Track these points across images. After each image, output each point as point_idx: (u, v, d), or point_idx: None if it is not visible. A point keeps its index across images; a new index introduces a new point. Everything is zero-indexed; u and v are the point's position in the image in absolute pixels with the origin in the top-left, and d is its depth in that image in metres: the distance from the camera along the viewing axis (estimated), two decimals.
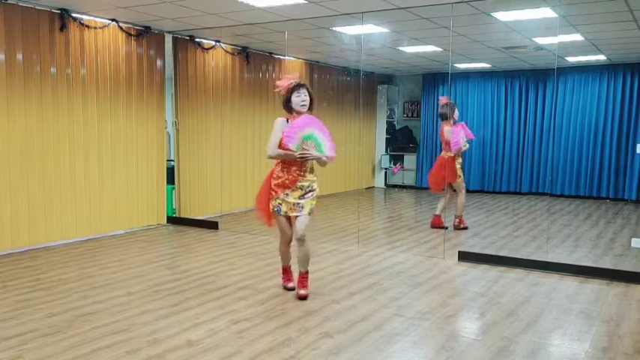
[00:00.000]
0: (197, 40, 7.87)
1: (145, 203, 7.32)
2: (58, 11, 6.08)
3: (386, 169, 12.48)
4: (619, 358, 3.35)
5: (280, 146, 4.18)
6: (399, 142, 12.39)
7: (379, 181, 12.54)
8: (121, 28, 6.77)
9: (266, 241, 6.61)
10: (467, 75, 11.32)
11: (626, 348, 3.50)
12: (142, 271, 5.19)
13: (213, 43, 8.14)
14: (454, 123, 7.20)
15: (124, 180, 7.01)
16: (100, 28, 6.56)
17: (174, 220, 7.73)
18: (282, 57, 9.40)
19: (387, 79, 12.37)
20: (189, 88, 7.90)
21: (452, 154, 7.11)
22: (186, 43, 7.78)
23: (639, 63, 9.96)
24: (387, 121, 12.48)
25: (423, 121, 12.00)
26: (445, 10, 5.86)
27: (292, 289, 4.57)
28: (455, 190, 7.38)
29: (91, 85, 6.54)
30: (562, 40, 7.54)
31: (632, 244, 6.45)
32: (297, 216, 4.28)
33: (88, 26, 6.40)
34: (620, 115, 10.21)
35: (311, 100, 4.30)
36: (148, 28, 7.09)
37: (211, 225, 7.50)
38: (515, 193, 11.01)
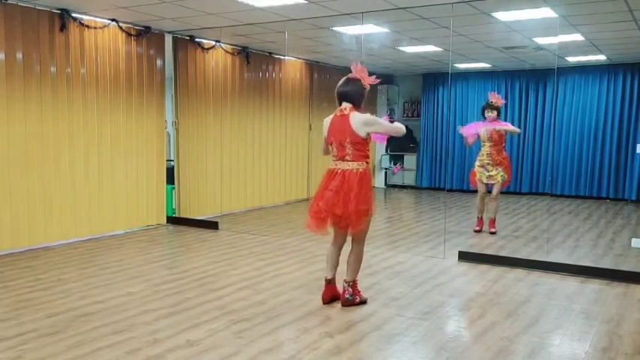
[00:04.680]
0: (197, 40, 7.87)
1: (144, 203, 7.32)
2: (58, 11, 6.08)
3: (386, 169, 12.48)
4: (619, 358, 3.35)
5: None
6: (399, 142, 12.38)
7: (379, 181, 12.53)
8: (121, 28, 6.76)
9: (266, 241, 6.61)
10: (467, 75, 11.32)
11: (626, 348, 3.50)
12: (142, 271, 5.19)
13: (213, 43, 8.14)
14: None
15: (124, 180, 7.01)
16: (100, 28, 6.55)
17: (174, 220, 7.73)
18: (282, 57, 9.40)
19: (387, 79, 12.36)
20: (189, 88, 7.90)
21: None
22: (186, 43, 7.78)
23: (639, 63, 9.96)
24: None
25: (423, 121, 12.00)
26: (445, 10, 5.86)
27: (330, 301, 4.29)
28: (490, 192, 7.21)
29: (91, 85, 6.53)
30: (562, 40, 7.54)
31: (632, 244, 6.45)
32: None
33: (88, 26, 6.40)
34: (620, 115, 10.21)
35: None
36: (148, 28, 7.09)
37: (211, 225, 7.50)
38: (515, 193, 11.00)
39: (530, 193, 10.96)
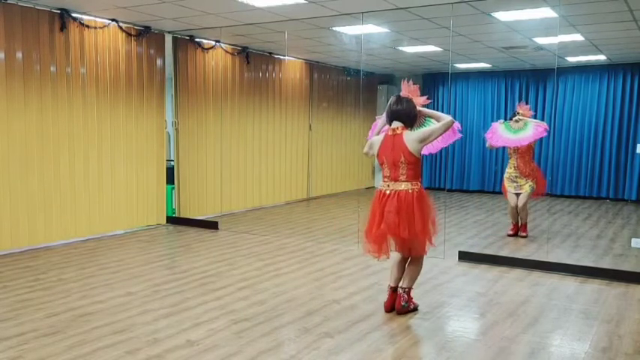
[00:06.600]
0: (197, 40, 7.87)
1: (144, 203, 7.32)
2: (58, 11, 6.08)
3: None
4: (619, 358, 3.35)
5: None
6: None
7: (379, 181, 12.51)
8: (121, 28, 6.76)
9: (266, 241, 6.61)
10: (467, 75, 11.31)
11: (626, 348, 3.50)
12: (142, 271, 5.19)
13: (213, 43, 8.14)
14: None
15: (124, 180, 7.01)
16: (100, 28, 6.55)
17: (174, 220, 7.72)
18: (282, 57, 9.40)
19: (387, 79, 12.36)
20: (189, 88, 7.90)
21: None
22: (186, 43, 7.78)
23: (639, 63, 9.96)
24: None
25: None
26: (445, 10, 5.86)
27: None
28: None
29: (91, 85, 6.53)
30: (562, 40, 7.54)
31: (632, 244, 6.45)
32: None
33: (88, 26, 6.40)
34: (620, 115, 10.21)
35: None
36: (148, 28, 7.09)
37: (211, 225, 7.50)
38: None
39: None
